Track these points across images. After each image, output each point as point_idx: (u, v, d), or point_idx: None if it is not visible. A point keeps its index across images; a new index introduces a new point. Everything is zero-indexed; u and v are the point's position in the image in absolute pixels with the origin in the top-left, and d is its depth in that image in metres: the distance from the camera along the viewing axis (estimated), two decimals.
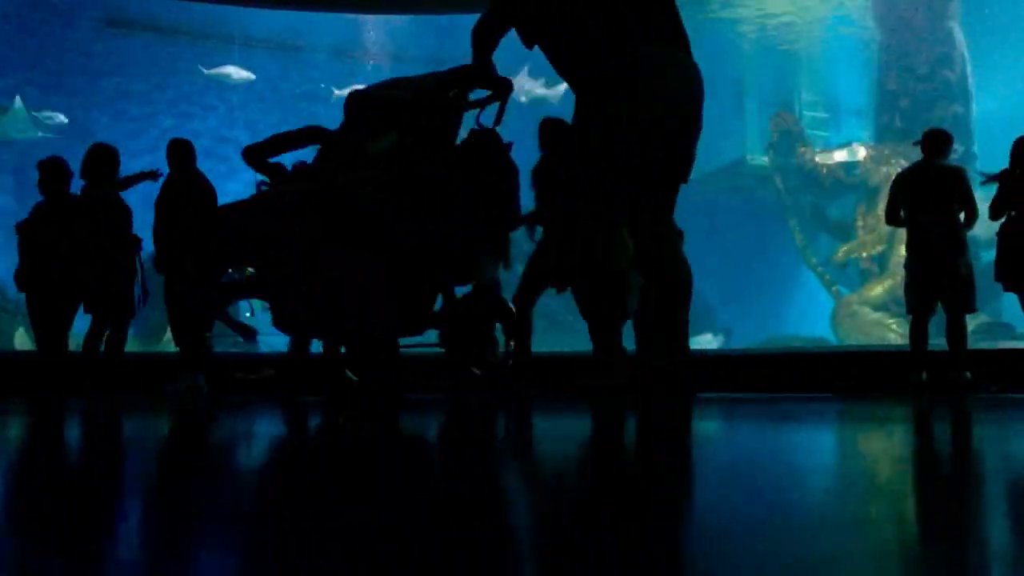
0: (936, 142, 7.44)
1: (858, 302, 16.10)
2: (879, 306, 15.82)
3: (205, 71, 18.23)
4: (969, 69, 17.22)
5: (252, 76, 18.48)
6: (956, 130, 17.37)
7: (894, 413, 4.72)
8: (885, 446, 3.14)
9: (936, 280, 7.10)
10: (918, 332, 7.22)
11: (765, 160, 18.12)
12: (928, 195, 7.17)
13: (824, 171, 17.41)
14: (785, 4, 18.60)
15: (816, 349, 13.11)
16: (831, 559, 1.25)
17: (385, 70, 18.76)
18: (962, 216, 7.12)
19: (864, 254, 16.28)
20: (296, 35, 19.01)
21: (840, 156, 17.55)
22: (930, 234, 7.15)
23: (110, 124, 17.44)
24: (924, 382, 7.16)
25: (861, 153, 17.02)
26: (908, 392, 7.12)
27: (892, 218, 7.58)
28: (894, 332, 15.45)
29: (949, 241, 7.07)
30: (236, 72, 18.39)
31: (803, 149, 17.73)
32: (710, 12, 17.98)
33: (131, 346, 8.28)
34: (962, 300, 7.15)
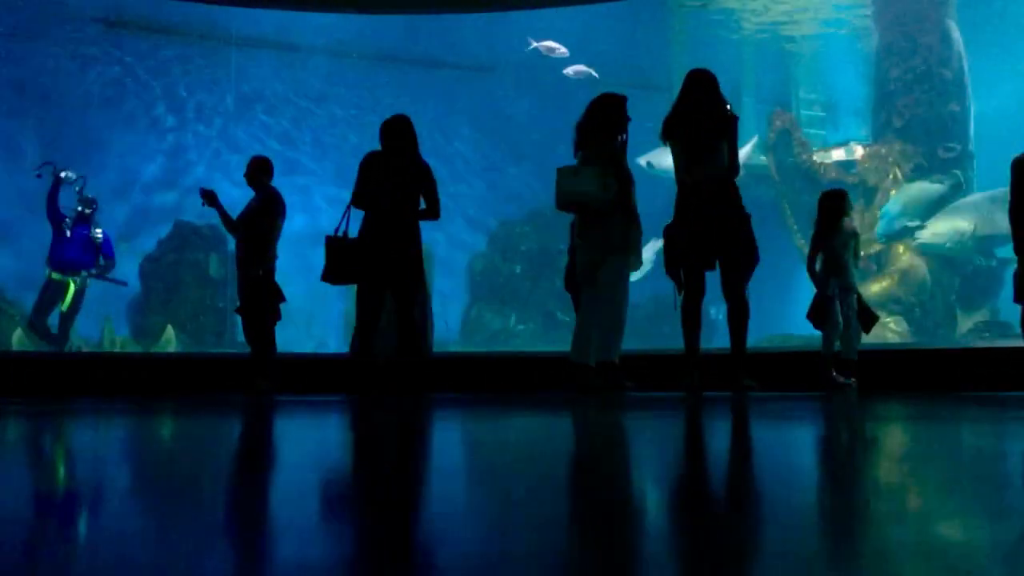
0: None
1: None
2: (877, 305, 15.80)
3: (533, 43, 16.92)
4: (966, 67, 17.21)
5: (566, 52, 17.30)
6: (954, 128, 17.43)
7: None
8: None
9: None
10: None
11: (763, 159, 18.08)
12: None
13: (822, 170, 17.39)
14: (782, 2, 18.58)
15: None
16: None
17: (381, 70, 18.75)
18: None
19: (862, 253, 16.24)
20: (293, 35, 18.96)
21: (838, 155, 17.53)
22: None
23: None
24: None
25: (859, 152, 16.99)
26: None
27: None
28: (892, 331, 15.44)
29: None
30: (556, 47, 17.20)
31: (801, 148, 17.72)
32: (708, 9, 17.94)
33: (131, 347, 8.28)
34: None
